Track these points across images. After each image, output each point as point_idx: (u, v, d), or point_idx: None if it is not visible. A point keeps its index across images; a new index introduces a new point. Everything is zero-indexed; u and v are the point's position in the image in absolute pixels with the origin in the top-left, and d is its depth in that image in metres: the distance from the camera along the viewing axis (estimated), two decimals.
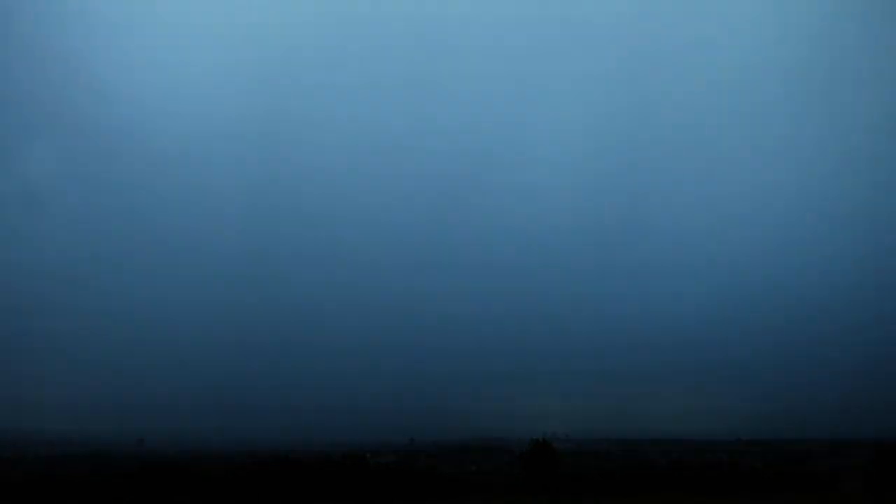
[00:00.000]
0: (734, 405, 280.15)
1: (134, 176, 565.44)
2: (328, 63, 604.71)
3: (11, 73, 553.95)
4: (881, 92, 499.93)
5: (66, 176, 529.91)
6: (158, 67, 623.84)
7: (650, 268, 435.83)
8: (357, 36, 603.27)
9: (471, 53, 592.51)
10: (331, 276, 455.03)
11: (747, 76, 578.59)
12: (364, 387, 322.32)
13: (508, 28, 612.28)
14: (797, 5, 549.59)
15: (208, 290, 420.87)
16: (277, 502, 51.87)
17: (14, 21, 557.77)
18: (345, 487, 53.10)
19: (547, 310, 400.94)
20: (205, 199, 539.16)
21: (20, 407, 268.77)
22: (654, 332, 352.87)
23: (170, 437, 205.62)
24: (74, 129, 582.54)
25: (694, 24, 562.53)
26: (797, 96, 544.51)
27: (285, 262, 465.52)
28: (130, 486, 53.25)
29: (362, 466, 56.07)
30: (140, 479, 54.44)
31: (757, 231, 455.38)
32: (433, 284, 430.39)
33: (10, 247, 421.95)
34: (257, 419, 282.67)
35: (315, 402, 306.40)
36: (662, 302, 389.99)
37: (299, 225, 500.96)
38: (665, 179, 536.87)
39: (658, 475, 63.33)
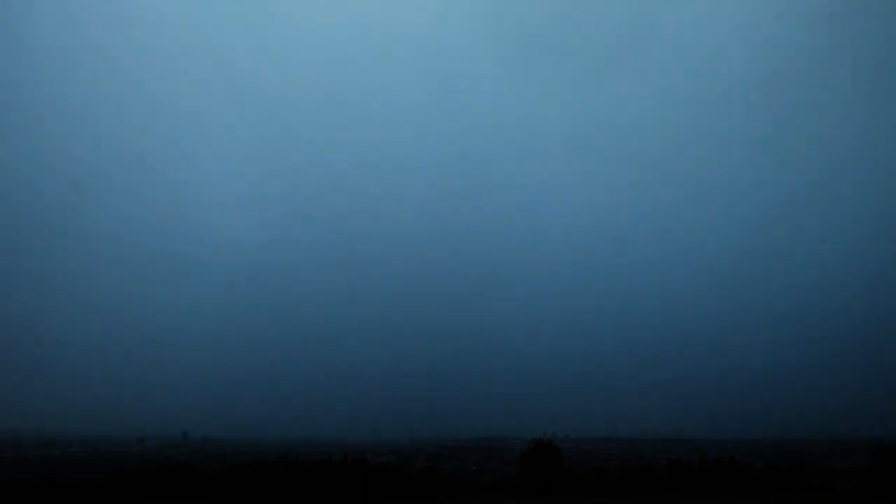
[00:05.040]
0: (734, 405, 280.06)
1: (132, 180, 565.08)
2: None
3: None
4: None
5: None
6: None
7: (650, 270, 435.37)
8: None
9: None
10: (330, 278, 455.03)
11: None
12: (364, 387, 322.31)
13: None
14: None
15: (208, 291, 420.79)
16: (277, 502, 51.80)
17: None
18: (345, 487, 53.00)
19: (547, 310, 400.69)
20: (210, 206, 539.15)
21: (20, 407, 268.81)
22: (655, 334, 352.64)
23: (170, 437, 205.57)
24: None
25: None
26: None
27: (285, 266, 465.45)
28: (130, 486, 53.17)
29: (362, 466, 55.92)
30: (140, 479, 54.37)
31: (756, 234, 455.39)
32: (433, 285, 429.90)
33: (10, 245, 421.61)
34: (257, 419, 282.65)
35: (315, 402, 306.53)
36: (662, 304, 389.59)
37: (301, 230, 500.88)
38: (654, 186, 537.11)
39: (658, 475, 63.22)
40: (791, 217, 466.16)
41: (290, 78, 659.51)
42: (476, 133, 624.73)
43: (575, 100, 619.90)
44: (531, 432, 66.28)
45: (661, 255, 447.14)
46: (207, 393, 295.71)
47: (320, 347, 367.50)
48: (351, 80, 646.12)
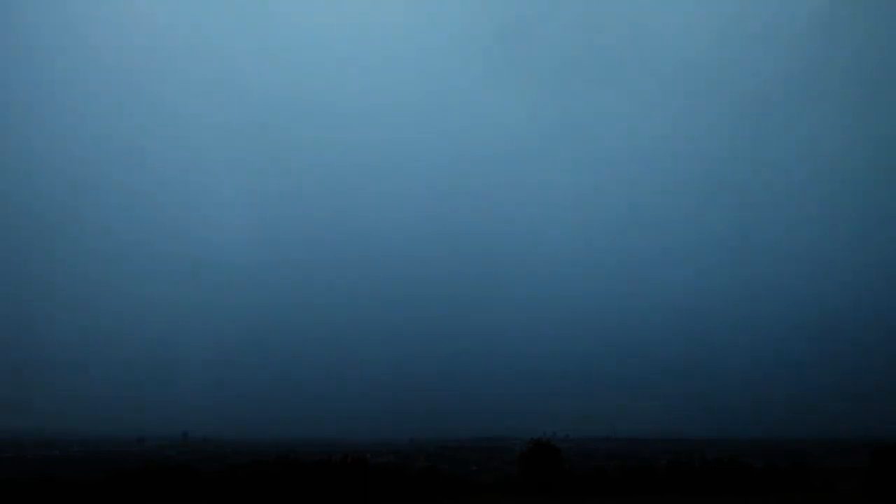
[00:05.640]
0: (734, 405, 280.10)
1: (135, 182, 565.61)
2: None
3: None
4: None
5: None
6: None
7: (649, 270, 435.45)
8: None
9: None
10: (330, 278, 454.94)
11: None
12: (364, 387, 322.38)
13: None
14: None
15: (208, 291, 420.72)
16: (277, 502, 51.84)
17: None
18: (345, 487, 53.05)
19: (547, 310, 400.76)
20: (211, 205, 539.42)
21: (20, 407, 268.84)
22: (655, 334, 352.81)
23: (170, 437, 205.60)
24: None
25: None
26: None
27: (285, 266, 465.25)
28: (130, 486, 53.22)
29: (362, 466, 55.95)
30: (140, 479, 54.42)
31: (755, 234, 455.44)
32: (433, 285, 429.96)
33: (10, 245, 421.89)
34: (257, 419, 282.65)
35: (315, 402, 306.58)
36: (662, 304, 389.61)
37: (302, 231, 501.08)
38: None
39: (658, 475, 63.28)
40: (790, 216, 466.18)
41: (290, 78, 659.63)
42: (476, 133, 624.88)
43: (575, 100, 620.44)
44: (531, 432, 66.29)
45: (660, 254, 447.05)
46: (207, 393, 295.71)
47: (320, 347, 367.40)
48: (351, 80, 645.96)
